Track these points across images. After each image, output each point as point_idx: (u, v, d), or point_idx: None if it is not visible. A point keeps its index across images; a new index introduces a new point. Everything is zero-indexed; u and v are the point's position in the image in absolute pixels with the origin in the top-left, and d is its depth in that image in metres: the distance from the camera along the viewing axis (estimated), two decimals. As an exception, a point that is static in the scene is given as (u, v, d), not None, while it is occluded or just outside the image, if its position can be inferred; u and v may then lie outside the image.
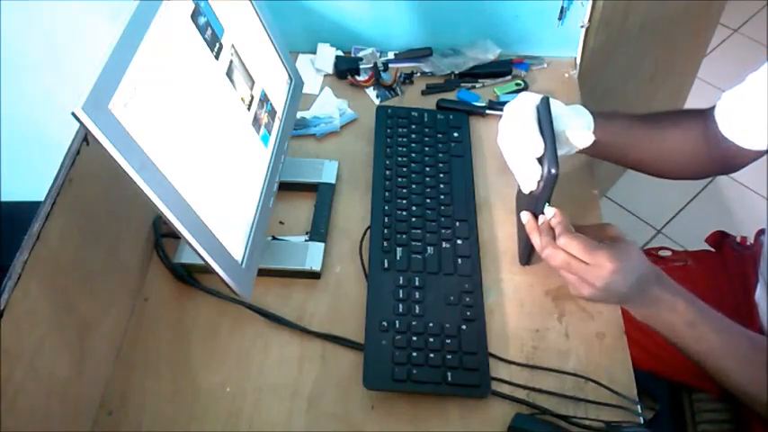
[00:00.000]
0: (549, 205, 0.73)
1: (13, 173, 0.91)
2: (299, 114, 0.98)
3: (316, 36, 1.08)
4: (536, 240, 0.74)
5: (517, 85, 1.05)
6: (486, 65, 1.06)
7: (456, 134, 0.96)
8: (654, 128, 0.86)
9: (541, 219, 0.75)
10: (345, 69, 1.05)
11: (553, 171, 0.70)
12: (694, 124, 0.85)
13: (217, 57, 0.72)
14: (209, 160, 0.69)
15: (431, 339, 0.75)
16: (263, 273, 0.79)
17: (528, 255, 0.82)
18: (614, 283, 0.69)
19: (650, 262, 0.72)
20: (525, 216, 0.76)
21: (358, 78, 1.05)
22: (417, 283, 0.80)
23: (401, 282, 0.80)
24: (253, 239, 0.74)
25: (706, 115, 0.84)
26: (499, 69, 1.07)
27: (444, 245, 0.84)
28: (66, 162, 0.67)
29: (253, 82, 0.80)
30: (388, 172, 0.91)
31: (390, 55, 1.08)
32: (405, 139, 0.95)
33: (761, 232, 1.03)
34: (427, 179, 0.91)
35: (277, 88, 0.87)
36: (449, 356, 0.74)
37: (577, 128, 0.80)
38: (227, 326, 0.80)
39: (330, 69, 1.07)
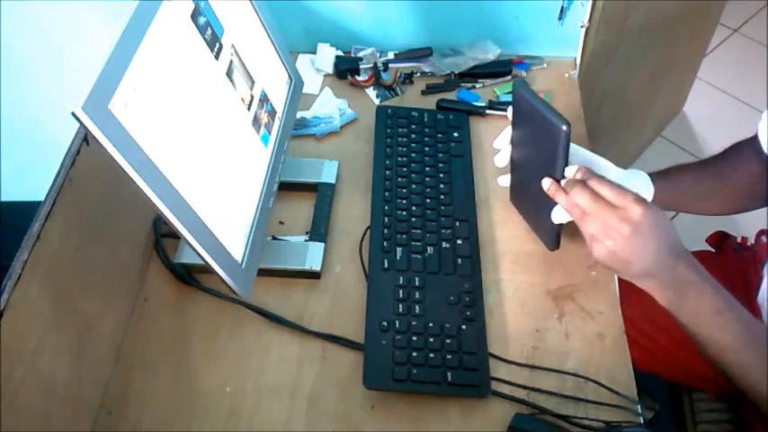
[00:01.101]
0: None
1: (13, 173, 0.92)
2: (299, 114, 0.98)
3: (316, 36, 1.08)
4: (561, 199, 0.71)
5: (517, 85, 1.05)
6: (486, 65, 1.06)
7: (456, 134, 0.96)
8: (714, 176, 0.84)
9: (563, 182, 0.72)
10: (345, 69, 1.05)
11: (564, 128, 0.69)
12: (750, 154, 0.83)
13: (217, 57, 0.72)
14: (209, 160, 0.69)
15: (431, 339, 0.75)
16: (263, 273, 0.79)
17: (556, 237, 0.80)
18: (642, 230, 0.64)
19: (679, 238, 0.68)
20: (547, 182, 0.73)
21: (358, 78, 1.05)
22: (417, 283, 0.80)
23: (401, 282, 0.80)
24: (253, 239, 0.75)
25: (756, 140, 0.83)
26: (499, 69, 1.07)
27: (444, 245, 0.84)
28: (66, 162, 0.67)
29: (253, 82, 0.80)
30: (388, 172, 0.91)
31: (390, 55, 1.08)
32: (405, 139, 0.95)
33: (761, 232, 1.03)
34: (427, 179, 0.91)
35: (277, 88, 0.87)
36: (449, 356, 0.74)
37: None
38: (227, 326, 0.80)
39: (330, 69, 1.07)
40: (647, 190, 0.81)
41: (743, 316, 0.69)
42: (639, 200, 0.65)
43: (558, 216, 0.75)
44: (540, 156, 0.77)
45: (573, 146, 0.79)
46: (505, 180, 0.87)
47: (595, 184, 0.68)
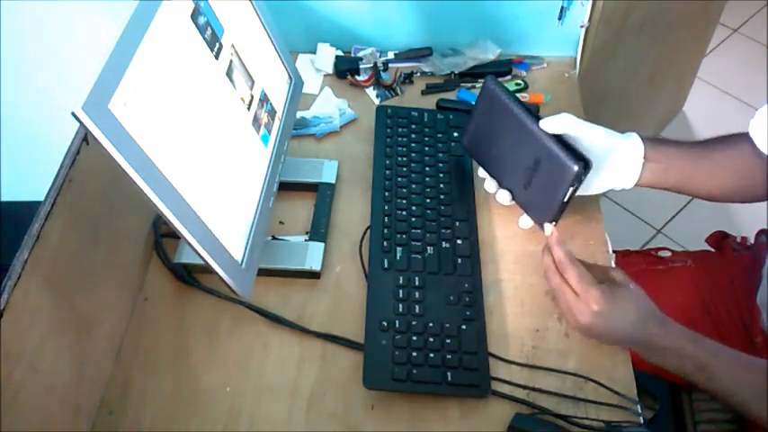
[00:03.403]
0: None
1: (13, 173, 0.91)
2: (299, 114, 0.98)
3: (316, 36, 1.08)
4: (545, 261, 0.76)
5: (517, 84, 1.05)
6: (486, 65, 1.06)
7: (456, 134, 0.96)
8: (703, 150, 0.84)
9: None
10: (345, 69, 1.05)
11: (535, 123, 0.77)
12: (743, 145, 0.83)
13: (217, 57, 0.72)
14: (209, 160, 0.69)
15: (431, 339, 0.75)
16: (263, 273, 0.79)
17: (554, 215, 0.80)
18: (595, 325, 0.71)
19: (654, 308, 0.72)
20: (549, 229, 0.79)
21: (358, 78, 1.05)
22: (417, 283, 0.80)
23: (401, 281, 0.80)
24: (253, 239, 0.75)
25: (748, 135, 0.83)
26: (499, 69, 1.07)
27: (444, 245, 0.84)
28: (66, 162, 0.67)
29: (253, 82, 0.80)
30: (388, 172, 0.91)
31: (390, 55, 1.08)
32: (405, 139, 0.95)
33: (761, 232, 1.03)
34: (427, 179, 0.91)
35: (277, 88, 0.87)
36: (449, 356, 0.74)
37: (628, 153, 0.80)
38: (226, 326, 0.80)
39: (330, 69, 1.07)
40: (638, 151, 0.80)
41: (729, 363, 0.72)
42: (600, 298, 0.70)
43: (525, 222, 0.84)
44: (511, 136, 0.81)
45: (577, 125, 0.79)
46: (492, 185, 0.86)
47: (564, 268, 0.73)
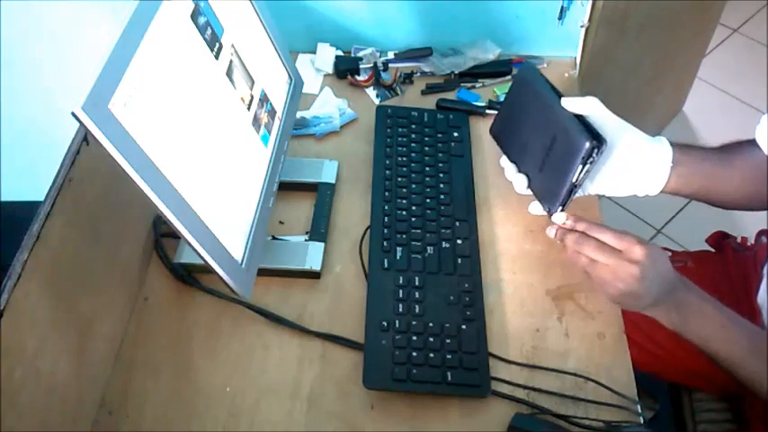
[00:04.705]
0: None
1: (13, 173, 0.92)
2: (299, 114, 0.98)
3: (316, 36, 1.08)
4: (570, 238, 0.73)
5: (517, 84, 1.05)
6: (486, 65, 1.06)
7: (456, 134, 0.96)
8: (721, 155, 0.83)
9: (550, 230, 0.77)
10: (345, 69, 1.05)
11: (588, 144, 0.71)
12: (757, 150, 0.82)
13: (217, 57, 0.72)
14: (209, 160, 0.70)
15: (431, 339, 0.75)
16: (263, 273, 0.79)
17: (562, 198, 0.76)
18: (647, 267, 0.68)
19: (672, 267, 0.71)
20: (552, 230, 0.76)
21: (358, 78, 1.05)
22: (417, 283, 0.80)
23: (401, 281, 0.80)
24: (253, 239, 0.75)
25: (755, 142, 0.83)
26: (499, 69, 1.07)
27: (444, 245, 0.84)
28: (66, 162, 0.67)
29: (253, 82, 0.80)
30: (388, 172, 0.91)
31: (390, 55, 1.08)
32: (405, 139, 0.95)
33: (761, 232, 1.03)
34: (427, 179, 0.91)
35: (277, 88, 0.87)
36: (449, 356, 0.74)
37: (656, 158, 0.79)
38: (227, 326, 0.80)
39: (330, 69, 1.07)
40: (667, 157, 0.79)
41: (747, 328, 0.72)
42: (639, 240, 0.69)
43: (535, 209, 0.81)
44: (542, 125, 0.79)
45: (603, 111, 0.78)
46: (511, 170, 0.85)
47: (596, 233, 0.71)
